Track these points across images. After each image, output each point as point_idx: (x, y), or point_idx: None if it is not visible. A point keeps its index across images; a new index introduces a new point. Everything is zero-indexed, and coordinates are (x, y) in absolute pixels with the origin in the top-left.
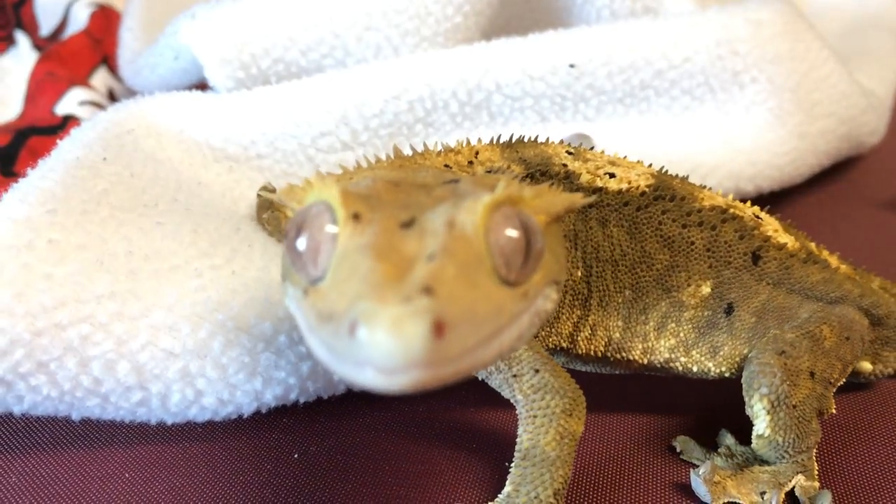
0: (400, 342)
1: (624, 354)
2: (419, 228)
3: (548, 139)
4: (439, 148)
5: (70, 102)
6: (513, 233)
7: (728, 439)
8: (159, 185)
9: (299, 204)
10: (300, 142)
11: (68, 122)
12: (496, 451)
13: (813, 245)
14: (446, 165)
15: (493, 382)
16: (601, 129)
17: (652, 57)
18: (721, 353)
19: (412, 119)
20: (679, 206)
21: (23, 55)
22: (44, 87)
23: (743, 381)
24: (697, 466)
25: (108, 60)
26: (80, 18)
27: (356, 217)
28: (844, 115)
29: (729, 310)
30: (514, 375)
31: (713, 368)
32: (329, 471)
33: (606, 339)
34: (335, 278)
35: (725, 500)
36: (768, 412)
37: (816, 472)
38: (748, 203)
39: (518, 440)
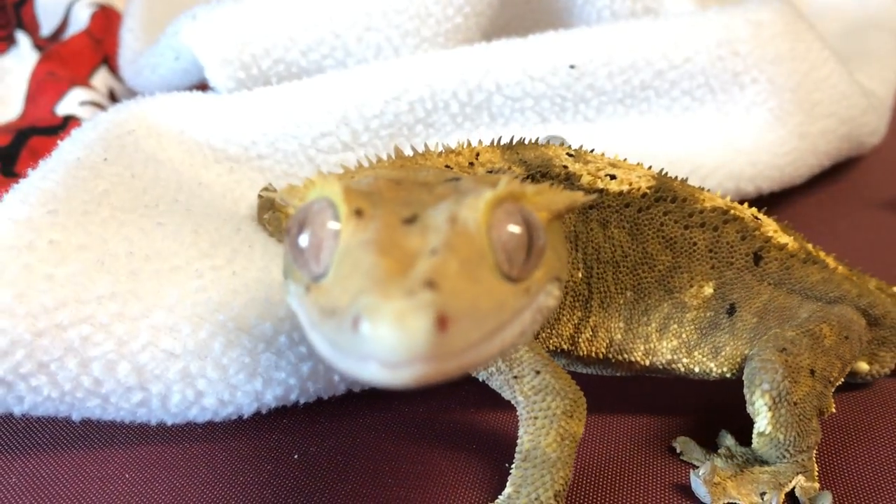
0: (403, 336)
1: (626, 356)
2: (421, 225)
3: (548, 141)
4: (440, 149)
5: (71, 103)
6: (515, 229)
7: (728, 440)
8: (160, 186)
9: (301, 202)
10: (301, 142)
11: (69, 122)
12: (496, 452)
13: (810, 246)
14: (447, 166)
15: (494, 384)
16: (602, 130)
17: (652, 57)
18: (723, 353)
19: (413, 120)
20: (681, 208)
21: (23, 55)
22: (44, 87)
23: (745, 377)
24: (697, 467)
25: (109, 61)
26: (80, 18)
27: (358, 213)
28: (845, 115)
29: (731, 310)
30: (515, 377)
31: (715, 369)
32: (329, 471)
33: (608, 341)
34: (338, 274)
35: (725, 501)
36: (770, 408)
37: (816, 473)
38: (745, 204)
39: (519, 441)
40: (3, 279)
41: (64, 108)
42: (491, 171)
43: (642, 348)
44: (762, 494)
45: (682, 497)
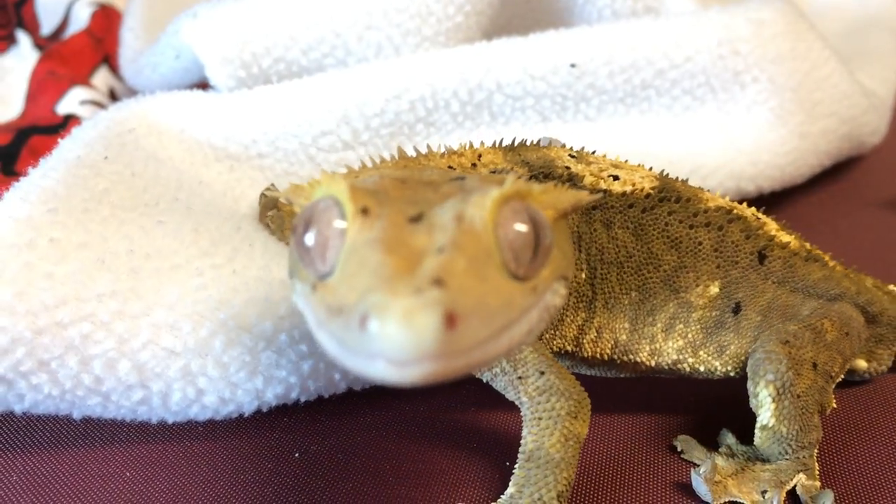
0: (412, 334)
1: (631, 357)
2: (428, 223)
3: (538, 142)
4: (442, 150)
5: (71, 102)
6: (521, 227)
7: (729, 439)
8: (160, 184)
9: (307, 201)
10: (301, 141)
11: (69, 121)
12: (497, 451)
13: (808, 245)
14: (450, 167)
15: (498, 385)
16: (602, 129)
17: (653, 56)
18: (727, 352)
19: (413, 118)
20: (685, 208)
21: (24, 54)
22: (45, 86)
23: (749, 369)
24: (698, 466)
25: (110, 60)
26: (81, 18)
27: (365, 211)
28: (846, 114)
29: (736, 309)
30: (520, 377)
31: (719, 368)
32: (330, 470)
33: (613, 342)
34: (344, 273)
35: (726, 500)
36: (774, 400)
37: (817, 472)
38: (744, 204)
39: (522, 442)
40: (3, 277)
41: (64, 107)
42: (494, 172)
43: (648, 349)
44: (763, 493)
45: (684, 495)
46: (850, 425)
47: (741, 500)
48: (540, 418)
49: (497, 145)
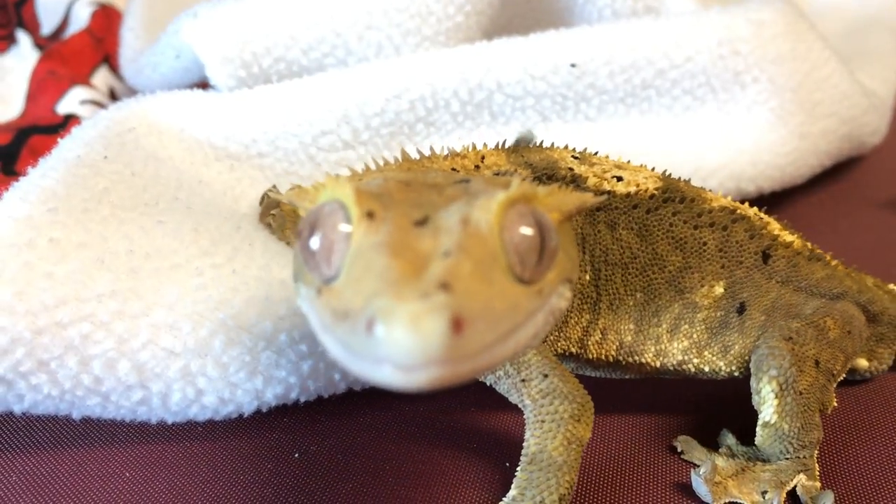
0: (418, 338)
1: (636, 358)
2: (433, 226)
3: (553, 144)
4: (445, 152)
5: (71, 101)
6: (527, 230)
7: (729, 439)
8: (160, 184)
9: (312, 204)
10: (301, 140)
11: (69, 120)
12: (498, 452)
13: (809, 244)
14: (453, 169)
15: (501, 388)
16: (603, 129)
17: (653, 56)
18: (732, 352)
19: (413, 118)
20: (689, 208)
21: (24, 54)
22: (45, 85)
23: (752, 365)
24: (698, 466)
25: (110, 59)
26: (81, 17)
27: (370, 215)
28: (846, 115)
29: (741, 309)
30: (523, 380)
31: (724, 368)
32: (330, 470)
33: (618, 343)
34: (350, 277)
35: (726, 500)
36: (776, 395)
37: (818, 473)
38: (746, 204)
39: (525, 444)
40: (3, 277)
41: (64, 106)
42: (497, 174)
43: (653, 350)
44: (763, 493)
45: (684, 496)
46: (851, 425)
47: (741, 501)
48: (543, 421)
49: (500, 147)
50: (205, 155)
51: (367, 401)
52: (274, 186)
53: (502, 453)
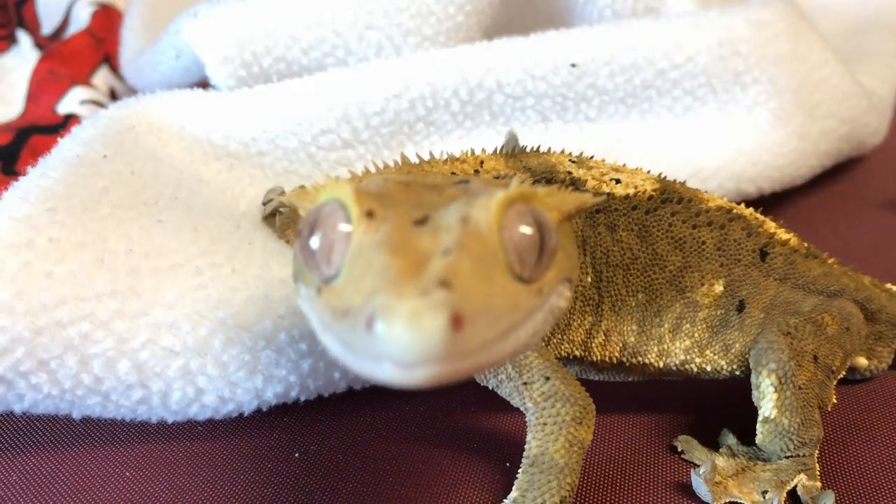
0: (418, 335)
1: (640, 359)
2: (433, 225)
3: (549, 149)
4: (444, 157)
5: (71, 101)
6: (527, 230)
7: (730, 439)
8: (160, 183)
9: (311, 204)
10: (301, 139)
11: (70, 120)
12: (498, 452)
13: (805, 243)
14: (453, 173)
15: (503, 391)
16: (603, 129)
17: (654, 57)
18: (733, 350)
19: (413, 117)
20: (687, 208)
21: (24, 54)
22: (45, 85)
23: (751, 360)
24: (698, 466)
25: (110, 59)
26: (81, 17)
27: (370, 214)
28: (846, 115)
29: (741, 307)
30: (525, 383)
31: (725, 367)
32: (330, 470)
33: (621, 345)
34: (349, 275)
35: (727, 500)
36: (776, 389)
37: (818, 473)
38: (742, 204)
39: (527, 447)
40: (2, 277)
41: (65, 106)
42: (497, 178)
43: (656, 350)
44: (764, 493)
45: (684, 496)
46: (852, 425)
47: (741, 501)
48: (545, 424)
49: (498, 152)
50: (204, 153)
51: (367, 400)
52: (282, 192)
53: (503, 453)
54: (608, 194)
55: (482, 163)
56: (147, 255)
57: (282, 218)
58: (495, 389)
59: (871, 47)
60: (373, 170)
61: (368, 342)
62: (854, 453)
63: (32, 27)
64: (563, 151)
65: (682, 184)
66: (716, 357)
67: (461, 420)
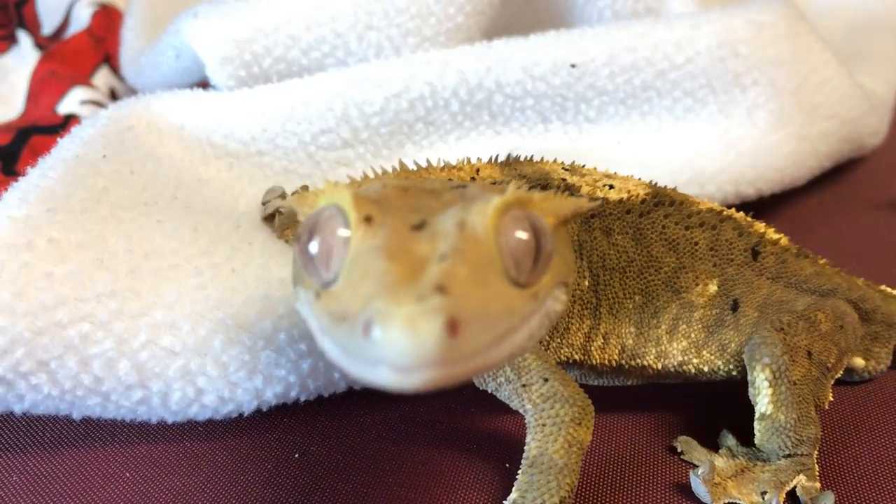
0: (415, 340)
1: (638, 361)
2: (430, 231)
3: (542, 158)
4: (441, 164)
5: (72, 101)
6: (523, 235)
7: (729, 440)
8: (159, 183)
9: (310, 209)
10: (301, 139)
11: (70, 121)
12: (498, 453)
13: (795, 245)
14: (450, 180)
15: (503, 394)
16: (603, 130)
17: (654, 58)
18: (729, 350)
19: (413, 117)
20: (679, 210)
21: (24, 54)
22: (46, 86)
23: (745, 356)
24: (698, 467)
25: (111, 60)
26: (81, 18)
27: (368, 220)
28: (846, 117)
29: (735, 306)
30: (524, 385)
31: (722, 367)
32: (330, 471)
33: (620, 347)
34: (348, 280)
35: (726, 501)
36: (770, 384)
37: (817, 473)
38: (733, 209)
39: (526, 448)
40: (2, 278)
41: (65, 106)
42: (494, 184)
43: (654, 352)
44: (763, 494)
45: (683, 497)
46: (851, 425)
47: (740, 502)
48: (544, 425)
49: (493, 160)
50: (204, 153)
51: (367, 401)
52: (282, 193)
53: (503, 454)
54: (603, 199)
55: (478, 170)
56: (147, 255)
57: (281, 218)
58: (494, 393)
59: (871, 48)
60: (373, 167)
61: (366, 347)
62: (854, 454)
63: (33, 27)
64: (555, 160)
65: (673, 189)
66: (713, 357)
67: (461, 421)
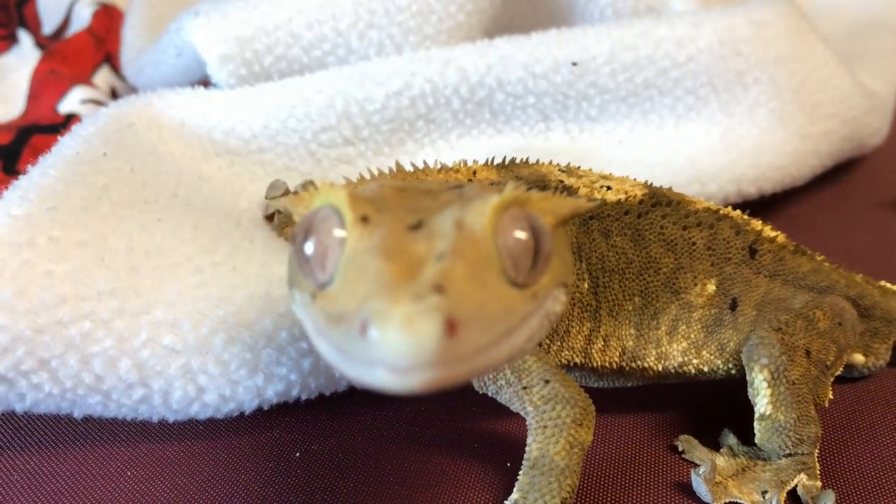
0: (412, 340)
1: (639, 363)
2: (427, 230)
3: (538, 160)
4: (438, 167)
5: (73, 101)
6: (521, 234)
7: (730, 439)
8: (160, 181)
9: (306, 210)
10: (302, 136)
11: (71, 120)
12: (499, 452)
13: (793, 242)
14: (447, 181)
15: (503, 397)
16: (604, 128)
17: (655, 56)
18: (728, 349)
19: (414, 115)
20: (676, 210)
21: (25, 53)
22: (46, 85)
23: (743, 357)
24: (699, 466)
25: (111, 59)
26: (82, 17)
27: (364, 220)
28: (847, 116)
29: (733, 305)
30: (524, 387)
31: (721, 366)
32: (330, 470)
33: (620, 349)
34: (344, 281)
35: (726, 500)
36: (769, 384)
37: (818, 472)
38: (729, 207)
39: (527, 449)
40: (3, 276)
41: (66, 106)
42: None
43: (654, 353)
44: (764, 493)
45: (684, 496)
46: (852, 424)
47: (741, 501)
48: (545, 426)
49: (490, 163)
50: (204, 150)
51: (368, 400)
52: (286, 191)
53: (504, 453)
54: (601, 200)
55: (475, 172)
56: (147, 253)
57: (280, 217)
58: (494, 396)
59: (872, 47)
60: (367, 176)
61: (362, 347)
62: (855, 453)
63: (33, 27)
64: (550, 162)
65: (669, 188)
66: (712, 357)
67: (462, 420)
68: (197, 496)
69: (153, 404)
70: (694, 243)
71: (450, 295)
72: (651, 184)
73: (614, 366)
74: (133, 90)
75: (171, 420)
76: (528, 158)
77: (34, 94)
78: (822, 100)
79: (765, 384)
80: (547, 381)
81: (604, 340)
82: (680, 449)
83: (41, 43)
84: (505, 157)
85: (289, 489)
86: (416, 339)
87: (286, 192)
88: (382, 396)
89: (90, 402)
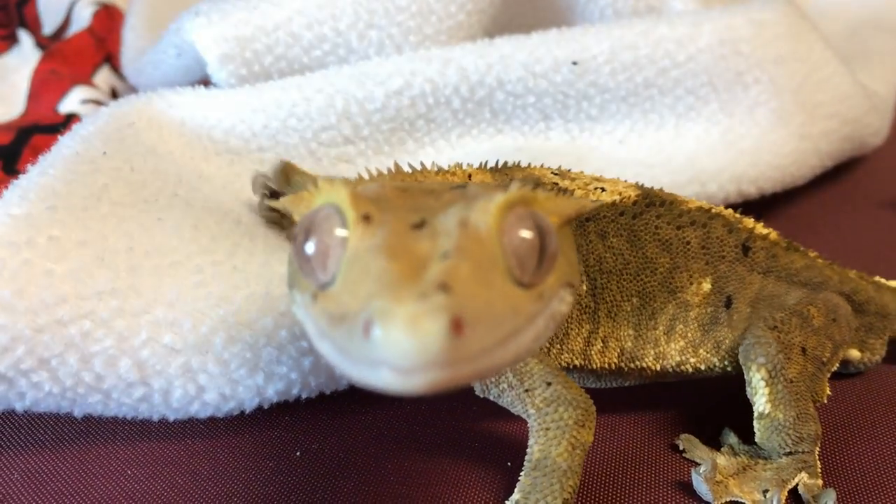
0: (417, 340)
1: (637, 363)
2: (431, 229)
3: (529, 164)
4: (434, 169)
5: (73, 101)
6: (527, 234)
7: (731, 438)
8: (160, 180)
9: (307, 209)
10: (302, 136)
11: (71, 120)
12: (500, 451)
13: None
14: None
15: (505, 400)
16: (605, 128)
17: (655, 55)
18: (724, 347)
19: (414, 114)
20: (670, 210)
21: (26, 54)
22: (47, 85)
23: (740, 356)
24: (699, 465)
25: (112, 59)
26: (83, 17)
27: (366, 218)
28: (847, 116)
29: (728, 303)
30: (527, 390)
31: (718, 364)
32: (331, 469)
33: (619, 350)
34: (346, 281)
35: (727, 499)
36: (767, 383)
37: (819, 471)
38: (721, 207)
39: (529, 450)
40: (3, 275)
41: (66, 106)
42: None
43: (652, 353)
44: (765, 492)
45: (685, 495)
46: (852, 422)
47: (742, 500)
48: (548, 428)
49: (483, 166)
50: (204, 149)
51: (369, 399)
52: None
53: (504, 453)
54: (600, 201)
55: (470, 176)
56: (147, 252)
57: (261, 202)
58: (496, 400)
59: (872, 47)
60: (366, 177)
61: (366, 348)
62: (855, 451)
63: (34, 27)
64: (542, 165)
65: (660, 189)
66: (709, 355)
67: (463, 419)
68: (197, 495)
69: (153, 403)
70: (688, 242)
71: (455, 294)
72: (642, 184)
73: (613, 367)
74: (133, 90)
75: (171, 419)
76: (520, 162)
77: (34, 94)
78: (822, 100)
79: (763, 383)
80: (549, 384)
81: (602, 342)
82: (680, 448)
83: (41, 43)
84: (498, 161)
85: (289, 488)
86: (422, 339)
87: (265, 184)
88: (383, 396)
89: (90, 400)
